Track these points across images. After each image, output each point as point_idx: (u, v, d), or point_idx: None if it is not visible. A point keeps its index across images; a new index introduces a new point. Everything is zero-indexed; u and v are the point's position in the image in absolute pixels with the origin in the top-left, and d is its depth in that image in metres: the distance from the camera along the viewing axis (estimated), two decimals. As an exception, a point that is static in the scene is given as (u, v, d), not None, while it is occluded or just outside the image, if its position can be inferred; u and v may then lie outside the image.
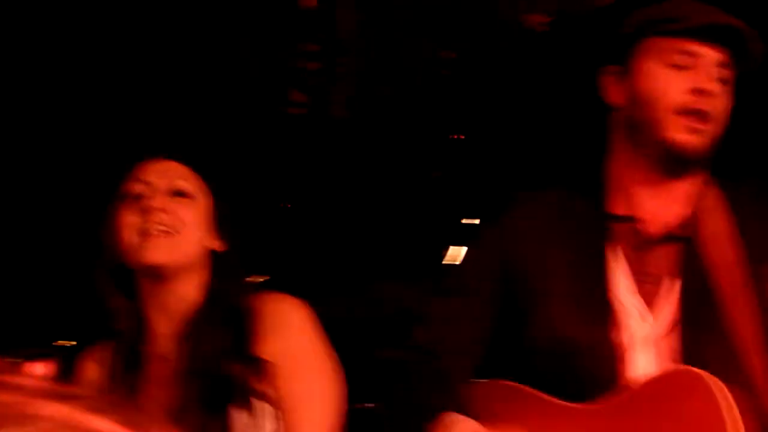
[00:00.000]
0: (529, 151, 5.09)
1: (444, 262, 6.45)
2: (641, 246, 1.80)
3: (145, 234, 1.91)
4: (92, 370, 2.05)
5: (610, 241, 1.82)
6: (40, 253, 5.85)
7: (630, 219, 1.82)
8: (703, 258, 1.78)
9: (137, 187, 1.99)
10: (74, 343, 6.54)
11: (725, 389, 1.58)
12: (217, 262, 2.00)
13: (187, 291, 1.96)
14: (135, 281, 1.99)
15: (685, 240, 1.80)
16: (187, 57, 4.34)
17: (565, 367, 1.78)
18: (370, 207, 6.02)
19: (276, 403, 1.88)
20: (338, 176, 5.62)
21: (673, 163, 1.82)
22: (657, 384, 1.68)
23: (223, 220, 2.03)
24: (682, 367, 1.69)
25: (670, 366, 1.72)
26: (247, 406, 1.86)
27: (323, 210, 5.80)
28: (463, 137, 5.46)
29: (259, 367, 1.87)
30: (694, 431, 1.60)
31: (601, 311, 1.77)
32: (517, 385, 1.84)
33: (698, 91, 1.78)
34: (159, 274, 1.93)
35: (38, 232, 5.68)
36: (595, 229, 1.83)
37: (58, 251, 5.79)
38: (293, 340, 1.92)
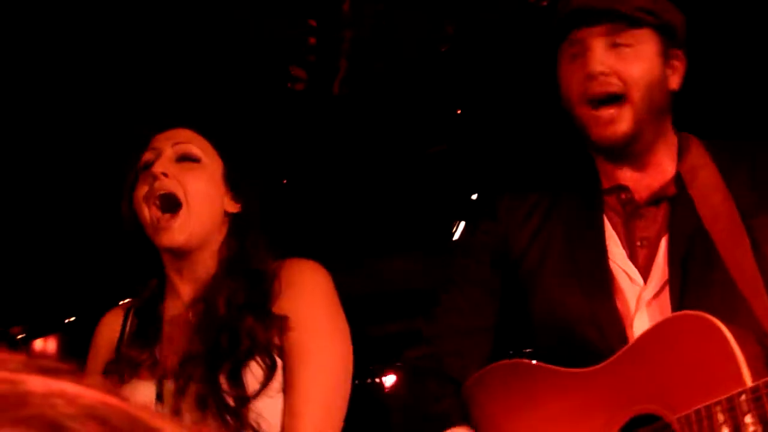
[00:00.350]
0: (532, 127, 5.08)
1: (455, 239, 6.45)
2: (632, 213, 1.84)
3: (152, 201, 1.92)
4: (108, 332, 2.07)
5: (603, 213, 1.86)
6: (46, 232, 5.86)
7: (617, 189, 1.85)
8: (690, 213, 1.80)
9: (147, 156, 2.01)
10: (73, 318, 6.56)
11: (724, 325, 1.58)
12: (233, 224, 2.00)
13: (204, 255, 1.99)
14: (158, 250, 2.02)
15: (671, 199, 1.82)
16: (189, 32, 4.32)
17: (571, 339, 1.81)
18: (373, 184, 6.01)
19: (284, 356, 1.89)
20: (339, 152, 5.61)
21: (611, 150, 1.85)
22: (657, 332, 1.69)
23: (236, 181, 2.02)
24: (681, 312, 1.71)
25: (667, 316, 1.73)
26: (260, 359, 1.86)
27: (325, 187, 5.79)
28: (462, 112, 5.45)
29: (272, 320, 1.88)
30: (703, 367, 1.60)
31: (600, 280, 1.80)
32: (521, 361, 1.87)
33: (589, 76, 1.79)
34: (175, 251, 1.96)
35: (43, 210, 5.68)
36: (588, 204, 1.88)
37: (65, 229, 5.80)
38: (306, 297, 1.94)
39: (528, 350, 1.91)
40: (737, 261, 1.75)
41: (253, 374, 1.87)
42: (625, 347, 1.73)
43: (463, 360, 1.95)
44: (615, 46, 1.83)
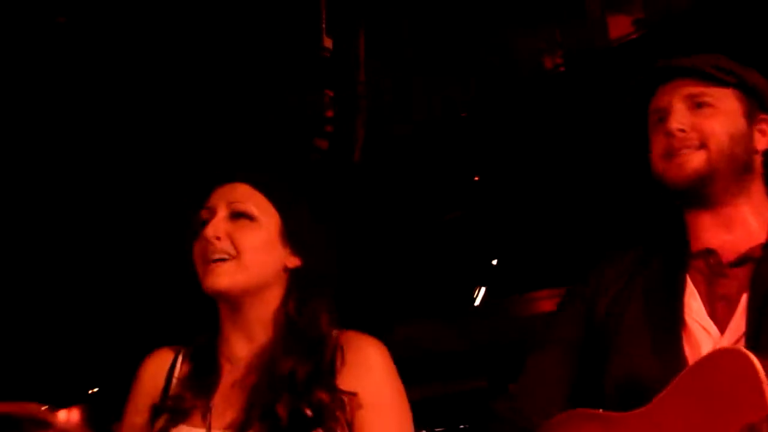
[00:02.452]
0: (552, 196, 5.11)
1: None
2: (716, 273, 1.86)
3: (207, 263, 1.90)
4: (153, 373, 2.00)
5: (687, 273, 1.89)
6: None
7: (705, 253, 1.88)
8: None
9: (203, 214, 1.98)
10: (96, 389, 6.55)
11: (755, 356, 1.58)
12: (293, 279, 1.95)
13: (261, 314, 1.94)
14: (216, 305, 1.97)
15: (756, 260, 1.85)
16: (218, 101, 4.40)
17: (641, 390, 1.81)
18: (395, 250, 6.03)
19: None
20: (361, 220, 5.65)
21: (686, 195, 1.90)
22: (698, 368, 1.71)
23: (295, 236, 1.97)
24: (718, 348, 1.75)
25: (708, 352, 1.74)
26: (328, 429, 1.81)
27: (346, 254, 5.82)
28: (483, 178, 5.49)
29: (340, 396, 1.84)
30: (734, 398, 1.61)
31: (673, 333, 1.82)
32: (584, 410, 1.89)
33: (668, 134, 1.92)
34: (227, 299, 1.91)
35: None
36: (673, 265, 1.90)
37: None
38: (375, 376, 1.89)
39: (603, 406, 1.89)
40: None
41: None
42: (670, 385, 1.73)
43: (541, 411, 1.97)
44: (697, 106, 1.93)
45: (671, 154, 1.91)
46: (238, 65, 4.43)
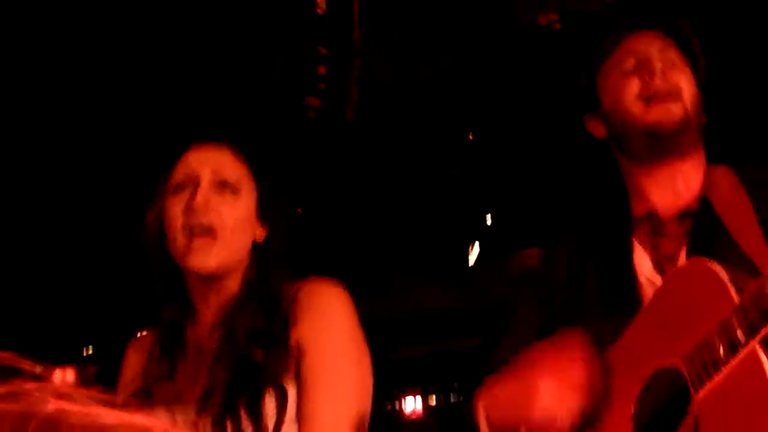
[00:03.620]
0: (548, 151, 5.09)
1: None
2: (658, 233, 1.90)
3: (189, 234, 1.86)
4: (135, 358, 2.01)
5: (634, 236, 1.94)
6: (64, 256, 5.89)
7: (646, 216, 1.93)
8: (710, 226, 1.86)
9: (183, 176, 1.93)
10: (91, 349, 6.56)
11: (717, 263, 1.67)
12: (258, 250, 1.95)
13: (228, 282, 1.93)
14: (183, 274, 1.95)
15: (695, 214, 1.90)
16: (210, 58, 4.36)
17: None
18: (388, 208, 6.02)
19: (299, 383, 1.84)
20: (354, 179, 5.63)
21: (658, 143, 1.93)
22: (666, 287, 1.82)
23: (266, 208, 1.96)
24: (683, 264, 1.85)
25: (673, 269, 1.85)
26: (276, 390, 1.82)
27: (340, 213, 5.81)
28: (479, 136, 5.47)
29: (287, 348, 1.83)
30: (701, 305, 1.68)
31: (629, 292, 1.87)
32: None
33: (651, 74, 1.96)
34: (207, 278, 1.91)
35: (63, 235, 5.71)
36: (620, 233, 1.94)
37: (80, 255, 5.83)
38: (322, 322, 1.89)
39: None
40: (755, 251, 1.82)
41: (270, 405, 1.85)
42: (645, 305, 1.85)
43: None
44: (669, 61, 2.00)
45: (649, 96, 1.94)
46: (230, 20, 4.39)
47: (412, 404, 8.12)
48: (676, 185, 1.97)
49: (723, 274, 1.63)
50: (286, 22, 4.52)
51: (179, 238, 1.87)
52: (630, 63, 1.99)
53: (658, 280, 1.91)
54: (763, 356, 1.55)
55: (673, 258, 1.91)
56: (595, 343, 1.85)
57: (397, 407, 7.45)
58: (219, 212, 1.89)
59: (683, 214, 1.95)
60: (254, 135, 2.09)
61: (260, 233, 1.96)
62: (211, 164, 1.92)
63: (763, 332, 1.53)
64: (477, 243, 6.29)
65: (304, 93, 4.65)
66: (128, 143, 4.87)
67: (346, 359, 1.89)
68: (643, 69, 1.97)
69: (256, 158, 2.01)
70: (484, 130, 5.42)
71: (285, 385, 1.84)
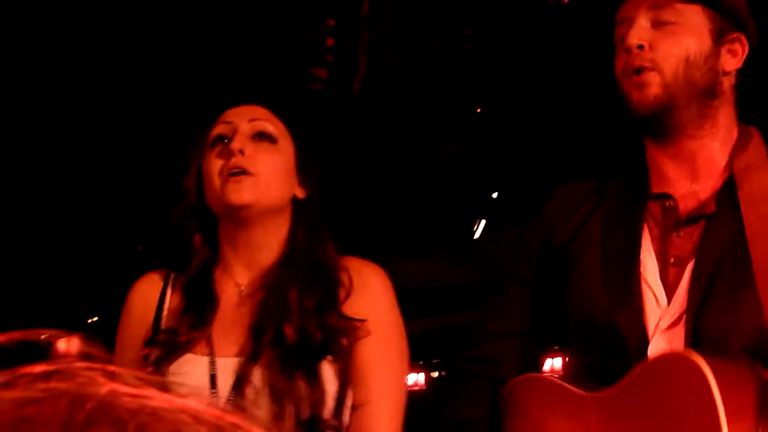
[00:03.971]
0: (554, 128, 5.07)
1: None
2: (671, 227, 1.79)
3: (226, 177, 1.86)
4: (143, 302, 1.95)
5: (644, 221, 1.82)
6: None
7: (663, 196, 1.81)
8: (724, 232, 1.74)
9: (221, 129, 1.94)
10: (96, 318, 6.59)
11: (711, 371, 1.53)
12: (298, 210, 1.94)
13: (268, 239, 1.92)
14: (216, 230, 1.93)
15: (709, 218, 1.76)
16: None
17: (596, 343, 1.80)
18: (394, 183, 6.02)
19: (345, 363, 1.83)
20: (359, 152, 5.63)
21: (649, 125, 1.83)
22: (652, 367, 1.68)
23: (305, 167, 1.97)
24: (669, 351, 1.70)
25: (665, 350, 1.71)
26: (334, 362, 1.80)
27: (346, 187, 5.82)
28: (483, 112, 5.45)
29: (348, 323, 1.83)
30: (686, 411, 1.58)
31: (628, 292, 1.77)
32: (543, 377, 1.91)
33: (627, 50, 1.80)
34: (241, 217, 1.88)
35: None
36: (632, 210, 1.84)
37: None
38: (375, 304, 1.89)
39: (559, 348, 1.89)
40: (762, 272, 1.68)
41: (327, 376, 1.82)
42: (627, 377, 1.70)
43: (505, 365, 1.96)
44: (659, 24, 1.83)
45: (628, 73, 1.82)
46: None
47: (414, 378, 8.13)
48: (695, 167, 1.84)
49: (716, 393, 1.49)
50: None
51: (216, 181, 1.87)
52: (618, 33, 1.86)
53: (657, 288, 1.79)
54: None
55: (680, 268, 1.78)
56: (595, 329, 1.80)
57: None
58: (256, 157, 1.89)
59: (698, 215, 1.81)
60: (291, 98, 2.10)
61: (300, 191, 1.96)
62: (248, 116, 1.94)
63: None
64: (483, 220, 6.28)
65: (311, 64, 4.64)
66: (153, 117, 4.88)
67: (402, 349, 1.92)
68: (622, 43, 1.83)
69: (294, 117, 2.02)
70: (493, 105, 5.40)
71: (344, 360, 1.82)
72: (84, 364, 0.49)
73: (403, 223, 6.16)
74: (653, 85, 1.79)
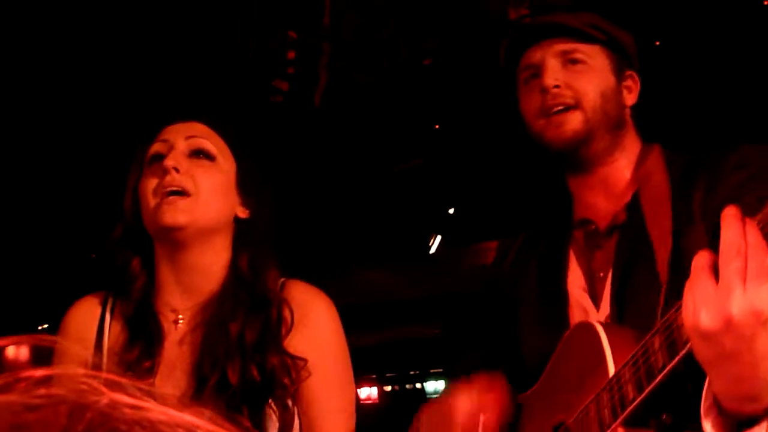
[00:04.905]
0: (510, 145, 5.11)
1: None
2: (591, 246, 1.90)
3: (161, 195, 1.77)
4: (81, 325, 1.86)
5: (570, 246, 1.94)
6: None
7: (583, 222, 1.93)
8: (634, 237, 1.85)
9: (157, 147, 1.85)
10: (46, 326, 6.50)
11: (602, 327, 1.70)
12: (240, 232, 1.85)
13: (207, 263, 1.83)
14: (153, 252, 1.84)
15: (622, 227, 1.88)
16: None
17: (536, 371, 1.87)
18: (352, 196, 6.03)
19: (290, 403, 1.79)
20: (320, 164, 5.63)
21: (566, 158, 1.93)
22: (564, 345, 1.83)
23: (248, 185, 1.88)
24: (577, 324, 1.84)
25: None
26: (276, 403, 1.75)
27: (304, 198, 5.81)
28: (444, 126, 5.48)
29: (291, 361, 1.77)
30: (588, 366, 1.71)
31: (559, 314, 1.88)
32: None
33: (543, 90, 1.90)
34: (176, 239, 1.79)
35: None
36: (558, 242, 1.95)
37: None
38: (319, 338, 1.83)
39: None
40: (662, 274, 1.79)
41: (270, 418, 1.78)
42: (549, 363, 1.85)
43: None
44: (568, 63, 1.93)
45: (546, 112, 1.89)
46: (200, 4, 4.36)
47: (367, 391, 8.12)
48: (608, 188, 1.94)
49: (605, 342, 1.65)
50: (258, 4, 4.50)
51: (150, 201, 1.78)
52: (526, 74, 1.95)
53: (585, 300, 1.89)
54: None
55: (604, 277, 1.88)
56: (529, 352, 1.89)
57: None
58: (192, 175, 1.81)
59: (612, 227, 1.92)
60: (233, 114, 2.03)
61: (242, 210, 1.87)
62: (185, 133, 1.86)
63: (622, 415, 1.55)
64: (439, 235, 6.30)
65: (272, 76, 4.63)
66: (100, 126, 4.83)
67: (348, 382, 1.87)
68: (535, 82, 1.91)
69: (235, 134, 1.94)
70: (450, 121, 5.43)
71: (287, 401, 1.77)
72: (85, 371, 0.49)
73: (359, 236, 6.16)
74: (574, 122, 1.89)
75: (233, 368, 1.76)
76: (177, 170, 1.78)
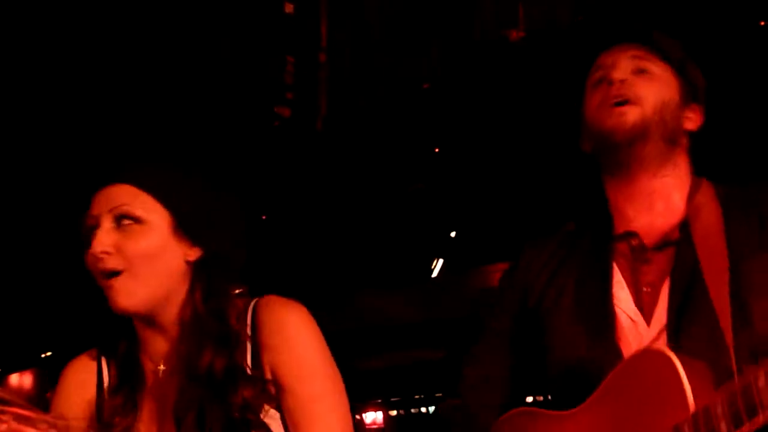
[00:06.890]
0: (517, 170, 5.12)
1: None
2: (639, 258, 1.90)
3: (100, 278, 1.79)
4: (79, 385, 1.91)
5: (613, 260, 1.93)
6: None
7: (627, 235, 1.92)
8: (691, 257, 1.85)
9: (89, 222, 1.86)
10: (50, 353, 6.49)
11: (678, 359, 1.64)
12: (196, 271, 1.86)
13: (171, 312, 1.83)
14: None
15: (675, 243, 1.88)
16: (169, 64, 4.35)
17: (579, 381, 1.85)
18: (355, 221, 6.02)
19: (284, 416, 1.79)
20: (322, 188, 5.63)
21: (617, 157, 1.93)
22: (625, 369, 1.76)
23: (195, 226, 1.85)
24: (643, 348, 1.78)
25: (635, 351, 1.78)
26: (260, 428, 1.75)
27: (307, 222, 5.80)
28: (444, 150, 5.49)
29: (263, 385, 1.76)
30: (658, 398, 1.66)
31: (605, 324, 1.85)
32: (527, 409, 1.95)
33: (610, 83, 1.96)
34: (137, 317, 1.83)
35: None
36: (599, 251, 1.94)
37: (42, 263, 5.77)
38: (298, 351, 1.81)
39: (540, 397, 1.94)
40: (721, 304, 1.79)
41: None
42: (602, 384, 1.78)
43: (485, 413, 2.02)
44: (638, 69, 1.99)
45: (609, 102, 1.94)
46: (198, 29, 4.38)
47: (372, 416, 8.10)
48: (653, 204, 1.96)
49: (682, 374, 1.62)
50: (256, 30, 4.52)
51: (97, 279, 1.82)
52: (597, 75, 2.00)
53: (633, 314, 1.89)
54: None
55: (655, 289, 1.88)
56: (573, 368, 1.87)
57: (358, 418, 7.44)
58: (121, 249, 1.80)
59: (664, 243, 1.92)
60: (161, 161, 1.99)
61: (193, 252, 1.86)
62: (109, 204, 1.82)
63: None
64: (441, 258, 6.30)
65: (272, 102, 4.65)
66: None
67: (333, 390, 1.84)
68: (604, 79, 1.98)
69: (164, 184, 1.92)
70: (452, 145, 5.45)
71: (266, 420, 1.78)
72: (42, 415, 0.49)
73: (362, 261, 6.16)
74: (632, 115, 1.93)
75: (209, 406, 1.78)
76: (106, 253, 1.79)
